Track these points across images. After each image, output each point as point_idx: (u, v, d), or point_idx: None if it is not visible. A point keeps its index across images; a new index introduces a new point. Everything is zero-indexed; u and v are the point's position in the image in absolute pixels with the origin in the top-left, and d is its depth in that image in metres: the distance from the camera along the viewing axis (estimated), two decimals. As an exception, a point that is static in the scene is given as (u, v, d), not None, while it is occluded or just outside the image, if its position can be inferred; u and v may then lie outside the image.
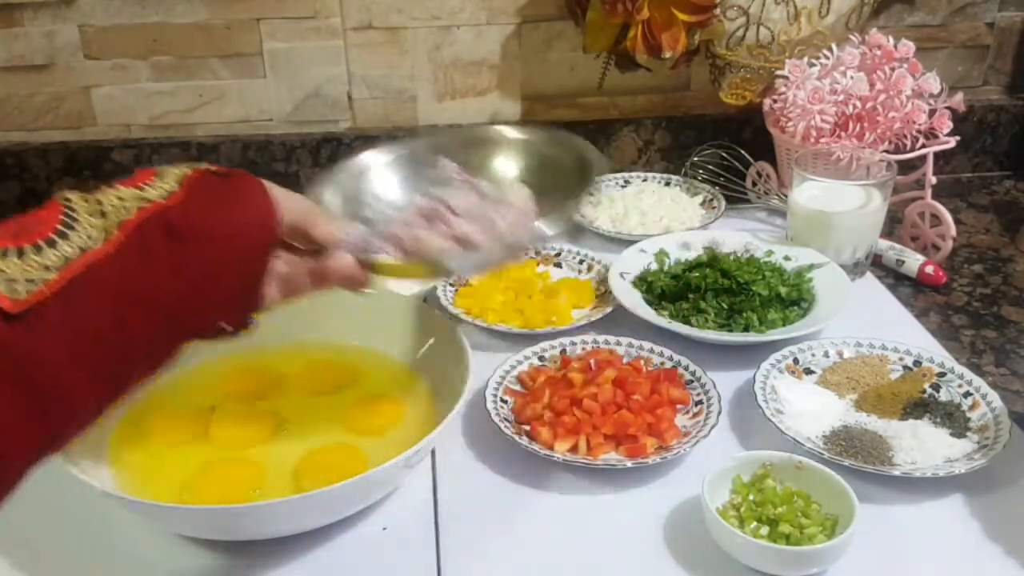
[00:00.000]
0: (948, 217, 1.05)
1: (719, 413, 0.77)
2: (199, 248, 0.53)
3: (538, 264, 1.05)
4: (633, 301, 0.93)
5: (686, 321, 0.91)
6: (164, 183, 0.53)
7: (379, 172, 0.75)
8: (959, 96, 1.04)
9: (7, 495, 0.46)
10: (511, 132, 0.79)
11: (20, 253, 0.46)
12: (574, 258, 1.06)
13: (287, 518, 0.65)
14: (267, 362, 0.83)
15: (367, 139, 1.23)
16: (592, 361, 0.83)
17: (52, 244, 0.47)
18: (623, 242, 1.06)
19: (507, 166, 0.76)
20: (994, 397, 0.78)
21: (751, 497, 0.68)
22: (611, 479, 0.74)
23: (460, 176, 0.70)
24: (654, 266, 1.00)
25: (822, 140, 1.06)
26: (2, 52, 1.16)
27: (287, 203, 0.58)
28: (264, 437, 0.75)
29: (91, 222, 0.49)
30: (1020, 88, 1.33)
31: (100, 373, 0.49)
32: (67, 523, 0.70)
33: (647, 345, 0.86)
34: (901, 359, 0.85)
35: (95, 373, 0.48)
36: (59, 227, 0.48)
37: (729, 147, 1.23)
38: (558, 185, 0.71)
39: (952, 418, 0.77)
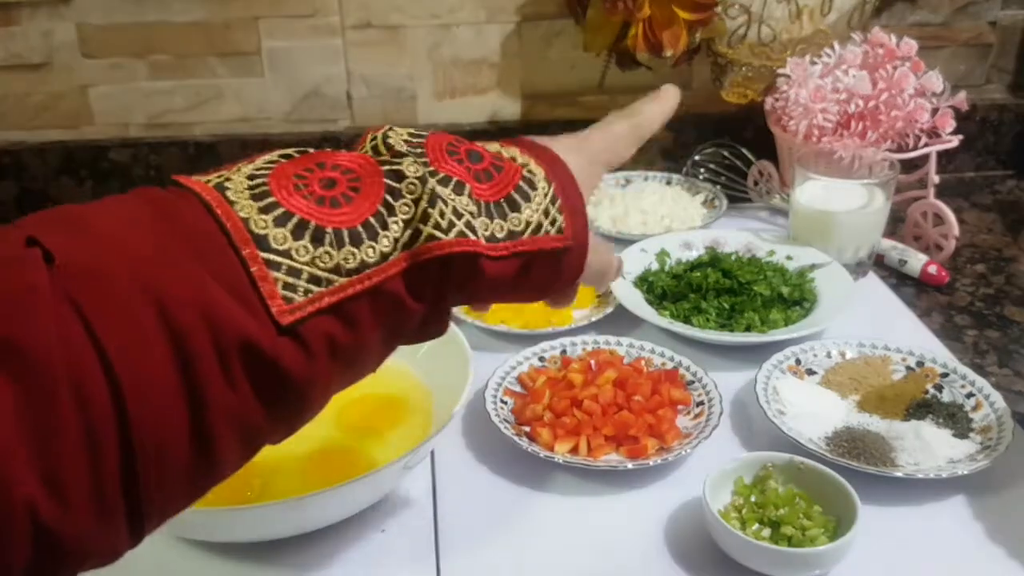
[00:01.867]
0: (951, 217, 1.05)
1: (720, 414, 0.77)
2: (484, 297, 0.47)
3: (538, 264, 1.04)
4: (634, 301, 0.93)
5: (687, 321, 0.91)
6: (496, 228, 0.43)
7: None
8: (962, 95, 1.04)
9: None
10: None
11: (318, 238, 0.37)
12: (574, 258, 1.05)
13: (287, 519, 0.65)
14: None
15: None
16: (592, 362, 0.83)
17: (357, 240, 0.38)
18: (624, 242, 1.06)
19: None
20: (997, 398, 0.78)
21: (753, 498, 0.67)
22: (612, 480, 0.73)
23: None
24: (655, 266, 1.00)
25: (824, 139, 1.06)
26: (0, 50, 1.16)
27: (591, 270, 0.50)
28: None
29: (406, 219, 0.39)
30: (1023, 87, 1.32)
31: (342, 389, 0.42)
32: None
33: (648, 345, 0.86)
34: (904, 359, 0.85)
35: (339, 388, 0.41)
36: (371, 218, 0.38)
37: (731, 146, 1.22)
38: None
39: (955, 419, 0.77)
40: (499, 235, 0.43)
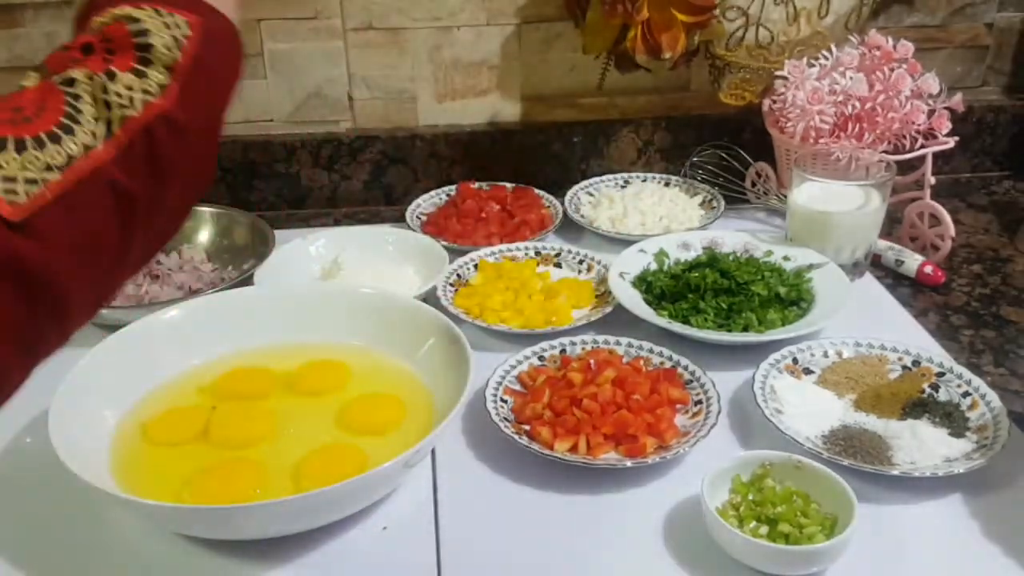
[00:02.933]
0: (947, 217, 1.05)
1: (718, 413, 0.77)
2: (197, 146, 0.51)
3: (538, 264, 1.05)
4: (633, 301, 0.94)
5: (685, 321, 0.91)
6: (156, 74, 0.48)
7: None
8: (958, 96, 1.04)
9: None
10: None
11: (20, 146, 0.42)
12: (574, 258, 1.06)
13: (287, 518, 0.65)
14: (267, 362, 0.83)
15: (367, 139, 1.23)
16: (592, 361, 0.84)
17: (56, 139, 0.43)
18: (623, 242, 1.06)
19: None
20: (993, 397, 0.78)
21: (750, 497, 0.68)
22: (611, 479, 0.74)
23: None
24: (654, 266, 1.01)
25: (821, 140, 1.06)
26: (2, 52, 1.16)
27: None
28: (264, 437, 0.75)
29: (94, 114, 0.45)
30: (1019, 88, 1.33)
31: (98, 282, 0.47)
32: (67, 523, 0.70)
33: (647, 345, 0.86)
34: (900, 359, 0.85)
35: (93, 282, 0.46)
36: (63, 119, 0.44)
37: (728, 147, 1.23)
38: None
39: (951, 418, 0.77)
40: (163, 79, 0.48)
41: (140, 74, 0.47)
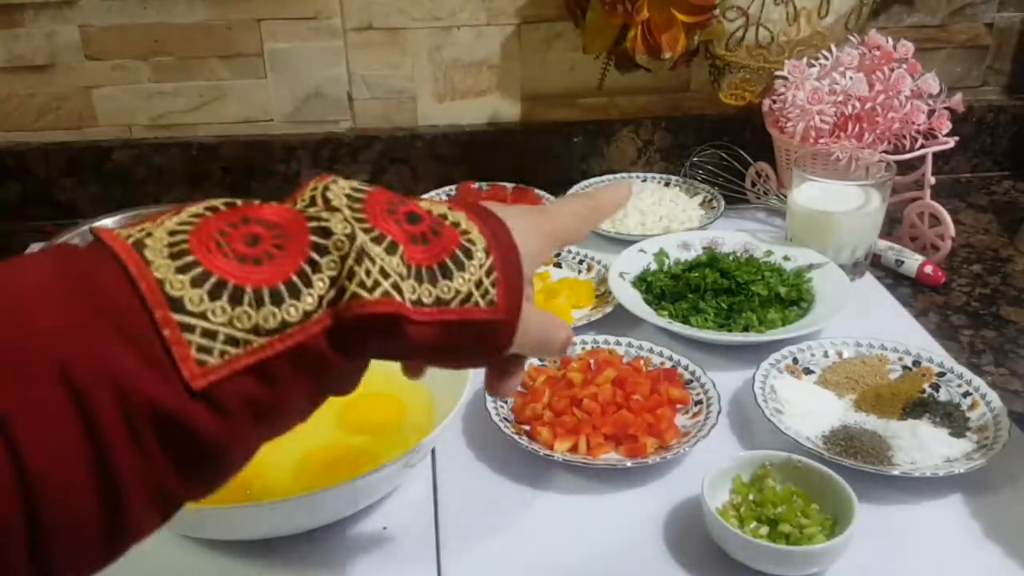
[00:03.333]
0: (947, 217, 1.05)
1: (719, 413, 0.77)
2: (401, 356, 0.45)
3: (538, 264, 1.05)
4: (633, 301, 0.94)
5: (685, 321, 0.91)
6: (424, 293, 0.41)
7: None
8: (958, 96, 1.04)
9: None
10: None
11: (236, 299, 0.35)
12: (574, 258, 1.06)
13: (287, 518, 0.65)
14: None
15: (367, 139, 1.23)
16: (592, 361, 0.84)
17: (278, 300, 0.36)
18: (623, 242, 1.06)
19: None
20: (993, 397, 0.78)
21: (751, 497, 0.68)
22: (611, 479, 0.74)
23: None
24: (654, 266, 1.01)
25: (821, 140, 1.06)
26: (3, 52, 1.16)
27: (526, 337, 0.47)
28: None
29: (331, 276, 0.38)
30: (1019, 88, 1.33)
31: (263, 441, 0.40)
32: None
33: (647, 345, 0.86)
34: (900, 359, 0.85)
35: (260, 443, 0.40)
36: (294, 276, 0.37)
37: (728, 147, 1.23)
38: None
39: (951, 418, 0.77)
40: (426, 300, 0.41)
41: (416, 278, 0.41)
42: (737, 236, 1.05)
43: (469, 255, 0.43)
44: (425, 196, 1.19)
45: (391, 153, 1.24)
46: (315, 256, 0.38)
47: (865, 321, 0.93)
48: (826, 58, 1.08)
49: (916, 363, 0.85)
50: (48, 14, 1.15)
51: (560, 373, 0.83)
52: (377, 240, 0.40)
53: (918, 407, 0.79)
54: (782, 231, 1.09)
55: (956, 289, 1.03)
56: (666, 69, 1.13)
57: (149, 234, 0.36)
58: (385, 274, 0.39)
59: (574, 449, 0.75)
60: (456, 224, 0.44)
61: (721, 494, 0.69)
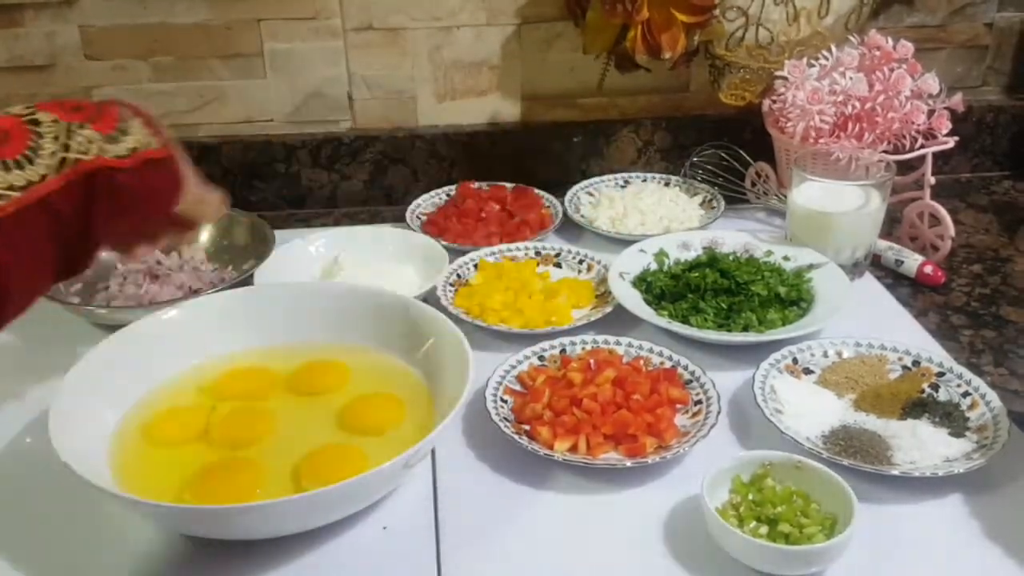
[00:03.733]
0: (947, 217, 1.05)
1: (718, 413, 0.77)
2: (124, 212, 0.63)
3: (538, 264, 1.05)
4: (633, 301, 0.94)
5: (685, 321, 0.91)
6: (125, 144, 0.62)
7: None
8: (958, 96, 1.04)
9: None
10: None
11: None
12: (574, 258, 1.06)
13: (287, 518, 0.65)
14: (267, 362, 0.83)
15: (367, 139, 1.23)
16: (592, 361, 0.84)
17: (19, 166, 0.55)
18: (623, 242, 1.06)
19: None
20: (993, 397, 0.78)
21: (750, 496, 0.68)
22: (611, 479, 0.74)
23: None
24: (654, 266, 1.01)
25: (821, 140, 1.06)
26: (3, 52, 1.16)
27: (190, 194, 0.71)
28: (264, 437, 0.75)
29: (52, 150, 0.56)
30: (1019, 88, 1.33)
31: (28, 287, 0.59)
32: (67, 523, 0.70)
33: (647, 345, 0.86)
34: (900, 359, 0.85)
35: (25, 287, 0.58)
36: (26, 151, 0.55)
37: (728, 147, 1.23)
38: None
39: (951, 418, 0.77)
40: (123, 153, 0.61)
41: (110, 140, 0.61)
42: (737, 236, 1.05)
43: (127, 125, 0.63)
44: (425, 196, 1.20)
45: (391, 153, 1.24)
46: (36, 137, 0.56)
47: (865, 321, 0.93)
48: (826, 58, 1.08)
49: (916, 363, 0.85)
50: (48, 14, 1.15)
51: (560, 373, 0.83)
52: (78, 124, 0.59)
53: (918, 407, 0.79)
54: (782, 231, 1.09)
55: (956, 289, 1.03)
56: (666, 69, 1.13)
57: None
58: (91, 140, 0.59)
59: (574, 449, 0.75)
60: (104, 107, 0.63)
61: (721, 494, 0.69)
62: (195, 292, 0.98)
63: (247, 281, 0.97)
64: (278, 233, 1.06)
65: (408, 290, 0.95)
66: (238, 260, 1.05)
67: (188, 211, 0.72)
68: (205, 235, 1.09)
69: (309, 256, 1.04)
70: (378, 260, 1.03)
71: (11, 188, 0.54)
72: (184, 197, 0.69)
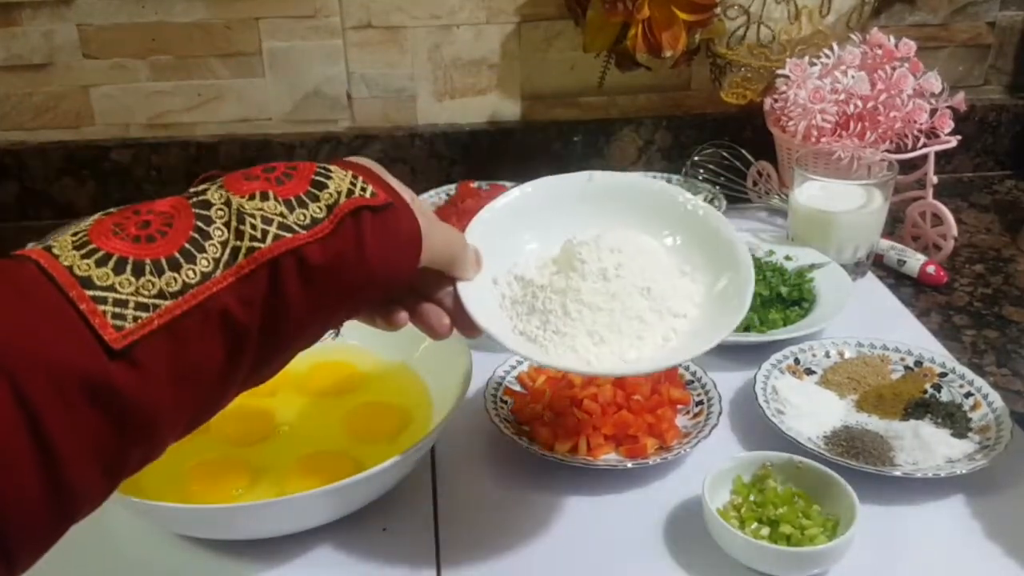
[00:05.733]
0: (949, 217, 1.05)
1: (720, 413, 0.77)
2: (329, 287, 0.47)
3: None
4: (633, 301, 0.93)
5: (686, 321, 0.91)
6: (314, 210, 0.46)
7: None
8: (960, 95, 1.04)
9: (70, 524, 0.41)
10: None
11: (138, 270, 0.40)
12: (574, 258, 1.05)
13: (287, 517, 0.65)
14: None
15: (366, 138, 1.23)
16: (592, 361, 0.83)
17: (176, 266, 0.41)
18: (623, 242, 1.06)
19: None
20: (995, 397, 0.78)
21: (752, 498, 0.68)
22: (611, 480, 0.74)
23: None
24: (654, 266, 1.00)
25: (823, 139, 1.06)
26: (1, 51, 1.16)
27: (432, 240, 0.52)
28: (262, 436, 0.75)
29: (221, 241, 0.43)
30: (1021, 87, 1.32)
31: (194, 407, 0.44)
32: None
33: (647, 345, 0.86)
34: (902, 359, 0.85)
35: (189, 408, 0.44)
36: (187, 244, 0.42)
37: (730, 146, 1.22)
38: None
39: (953, 418, 0.77)
40: (318, 215, 0.46)
41: (299, 204, 0.46)
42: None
43: (328, 172, 0.48)
44: (424, 195, 1.19)
45: (390, 152, 1.24)
46: (201, 225, 0.43)
47: (867, 321, 0.93)
48: (828, 57, 1.07)
49: (918, 363, 0.84)
50: (46, 13, 1.14)
51: (560, 373, 0.82)
52: (249, 197, 0.45)
53: (920, 407, 0.79)
54: (784, 231, 1.09)
55: (958, 289, 1.03)
56: (667, 68, 1.12)
57: (55, 240, 0.41)
58: (268, 220, 0.45)
59: (574, 450, 0.75)
60: (299, 164, 0.49)
61: (722, 495, 0.69)
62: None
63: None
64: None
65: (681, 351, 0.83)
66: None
67: (442, 265, 0.56)
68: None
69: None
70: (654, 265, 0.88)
71: (161, 295, 0.41)
72: (428, 249, 0.52)
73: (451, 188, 1.20)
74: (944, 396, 0.80)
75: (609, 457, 0.75)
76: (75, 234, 0.41)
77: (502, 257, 0.62)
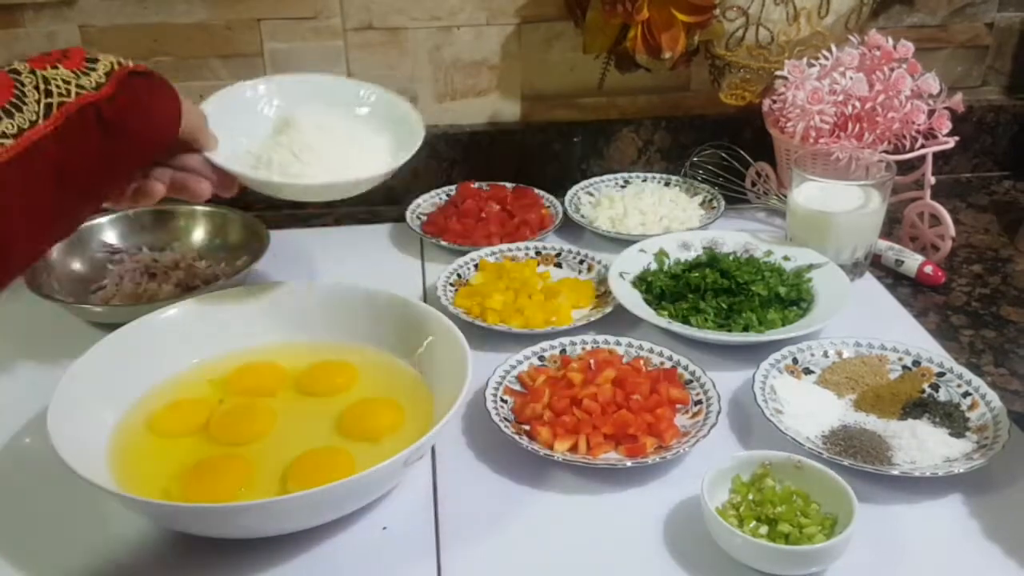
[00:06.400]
0: (947, 217, 1.05)
1: (718, 413, 0.77)
2: (119, 137, 0.64)
3: (538, 264, 1.05)
4: (632, 301, 0.94)
5: (685, 321, 0.91)
6: (97, 73, 0.63)
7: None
8: (958, 96, 1.04)
9: None
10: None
11: None
12: (574, 258, 1.06)
13: (287, 516, 0.65)
14: (273, 360, 0.83)
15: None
16: (592, 361, 0.84)
17: (9, 114, 0.57)
18: (623, 242, 1.06)
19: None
20: (993, 397, 0.78)
21: (750, 496, 0.68)
22: (611, 479, 0.74)
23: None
24: (654, 266, 1.01)
25: (821, 140, 1.06)
26: (3, 53, 1.16)
27: (187, 113, 0.71)
28: (261, 435, 0.75)
29: (36, 98, 0.59)
30: (1019, 88, 1.33)
31: (34, 232, 0.59)
32: (67, 522, 0.70)
33: (647, 345, 0.86)
34: (900, 359, 0.85)
35: (31, 232, 0.58)
36: (12, 99, 0.57)
37: (728, 147, 1.23)
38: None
39: (951, 418, 0.77)
40: (101, 81, 0.63)
41: (83, 73, 0.62)
42: (737, 236, 1.05)
43: (96, 54, 0.65)
44: (425, 196, 1.20)
45: (391, 153, 1.24)
46: (19, 87, 0.59)
47: (865, 321, 0.93)
48: (826, 58, 1.08)
49: (916, 363, 0.85)
50: (48, 14, 1.15)
51: (560, 373, 0.83)
52: (51, 67, 0.61)
53: (918, 407, 0.79)
54: (782, 231, 1.09)
55: (956, 289, 1.03)
56: (666, 69, 1.13)
57: None
58: (66, 81, 0.61)
59: (574, 449, 0.75)
60: (68, 48, 0.64)
61: (721, 494, 0.69)
62: (192, 289, 0.98)
63: (243, 278, 0.97)
64: (276, 233, 1.06)
65: (375, 166, 0.84)
66: (232, 257, 1.05)
67: (189, 135, 0.72)
68: (199, 233, 1.08)
69: (257, 113, 0.88)
70: (344, 122, 0.88)
71: (4, 136, 0.55)
72: (184, 117, 0.70)
73: (451, 189, 1.20)
74: (942, 396, 0.81)
75: (608, 456, 0.75)
76: None
77: (232, 133, 0.81)
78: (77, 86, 0.61)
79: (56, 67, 0.61)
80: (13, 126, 0.56)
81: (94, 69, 0.63)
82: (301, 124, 0.84)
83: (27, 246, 0.59)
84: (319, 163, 0.82)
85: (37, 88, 0.59)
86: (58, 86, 0.60)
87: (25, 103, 0.57)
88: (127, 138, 0.65)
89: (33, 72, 0.59)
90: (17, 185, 0.56)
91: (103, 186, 0.65)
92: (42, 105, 0.58)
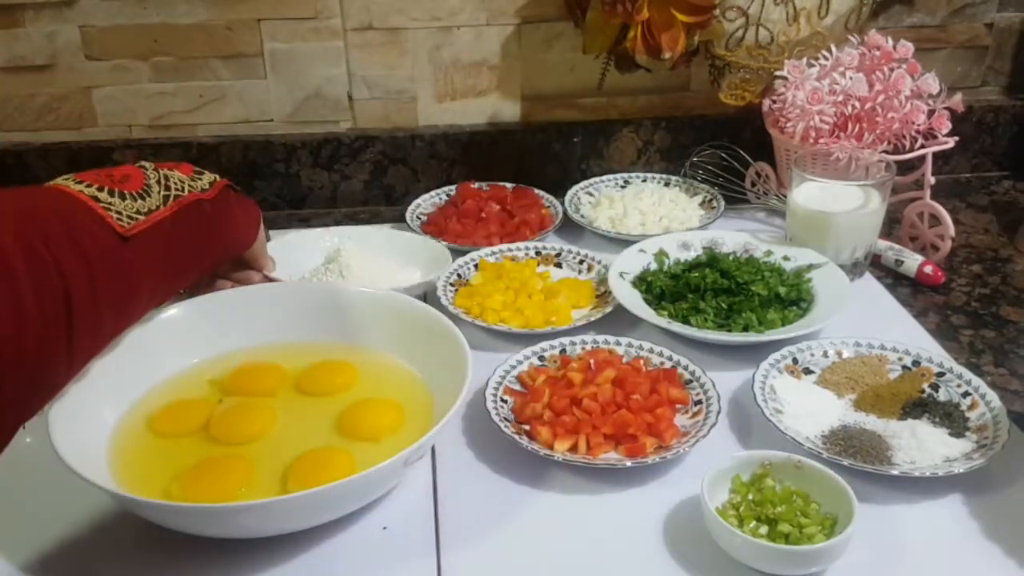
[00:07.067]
0: (947, 217, 1.05)
1: (718, 413, 0.77)
2: (213, 231, 0.78)
3: (538, 264, 1.05)
4: (632, 301, 0.94)
5: (685, 321, 0.91)
6: (203, 180, 0.77)
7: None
8: (958, 96, 1.04)
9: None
10: None
11: (122, 196, 0.68)
12: (574, 258, 1.06)
13: (287, 517, 0.66)
14: (273, 359, 0.83)
15: (367, 139, 1.23)
16: (592, 361, 0.84)
17: (142, 197, 0.70)
18: (623, 242, 1.06)
19: None
20: (993, 397, 0.78)
21: (750, 496, 0.68)
22: (610, 479, 0.74)
23: None
24: (653, 266, 1.01)
25: (821, 140, 1.06)
26: (3, 53, 1.16)
27: (260, 231, 0.88)
28: (260, 435, 0.75)
29: (158, 190, 0.72)
30: (1019, 88, 1.33)
31: (154, 297, 0.72)
32: (67, 522, 0.70)
33: (646, 345, 0.86)
34: (900, 359, 0.85)
35: (148, 294, 0.71)
36: (143, 188, 0.70)
37: (728, 147, 1.23)
38: None
39: (951, 418, 0.77)
40: (206, 187, 0.77)
41: (194, 178, 0.77)
42: (737, 236, 1.05)
43: (201, 170, 0.79)
44: (425, 196, 1.20)
45: (391, 153, 1.24)
46: (147, 179, 0.72)
47: (865, 321, 0.93)
48: (826, 58, 1.08)
49: (916, 363, 0.85)
50: (48, 14, 1.15)
51: (560, 373, 0.83)
52: (168, 171, 0.75)
53: (917, 407, 0.79)
54: (782, 231, 1.09)
55: (956, 289, 1.03)
56: (666, 69, 1.13)
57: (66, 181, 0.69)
58: (181, 180, 0.75)
59: (574, 449, 0.75)
60: (174, 163, 0.78)
61: (721, 494, 0.69)
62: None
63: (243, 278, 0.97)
64: (277, 233, 1.06)
65: (408, 284, 0.95)
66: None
67: (255, 255, 0.88)
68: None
69: (313, 246, 1.06)
70: (381, 257, 1.04)
71: (139, 212, 0.68)
72: (259, 235, 0.87)
73: (451, 189, 1.20)
74: (942, 396, 0.81)
75: (608, 456, 0.75)
76: (79, 181, 0.68)
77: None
78: (190, 186, 0.75)
79: (172, 171, 0.75)
80: (145, 207, 0.69)
81: (202, 176, 0.78)
82: (347, 252, 1.03)
83: (146, 305, 0.72)
84: (359, 280, 0.99)
85: (159, 183, 0.72)
86: (175, 183, 0.74)
87: (151, 192, 0.71)
88: (219, 233, 0.79)
89: (156, 170, 0.73)
90: (145, 255, 0.68)
91: (193, 271, 0.78)
92: (162, 196, 0.71)
